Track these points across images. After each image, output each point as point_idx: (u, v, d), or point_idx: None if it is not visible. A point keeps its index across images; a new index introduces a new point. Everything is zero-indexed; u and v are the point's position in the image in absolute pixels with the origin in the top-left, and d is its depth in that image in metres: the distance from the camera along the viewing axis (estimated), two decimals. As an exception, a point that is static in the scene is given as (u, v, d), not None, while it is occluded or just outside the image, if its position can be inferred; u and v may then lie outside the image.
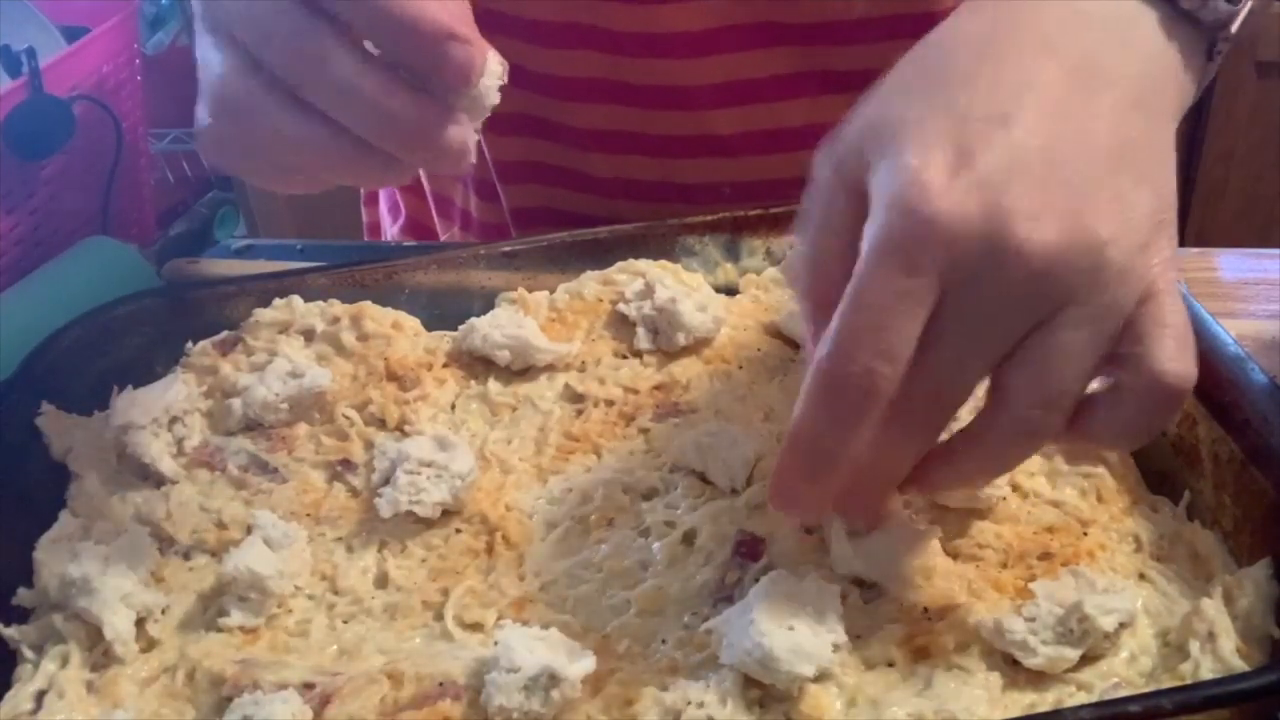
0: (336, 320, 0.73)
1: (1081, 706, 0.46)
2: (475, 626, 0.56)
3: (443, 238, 1.03)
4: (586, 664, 0.51)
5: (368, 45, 0.51)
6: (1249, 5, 0.52)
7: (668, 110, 0.87)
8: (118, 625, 0.55)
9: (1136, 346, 0.45)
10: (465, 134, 0.52)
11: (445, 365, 0.72)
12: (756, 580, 0.54)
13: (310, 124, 0.50)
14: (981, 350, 0.45)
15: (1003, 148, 0.45)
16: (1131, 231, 0.45)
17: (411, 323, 0.74)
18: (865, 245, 0.45)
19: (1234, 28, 0.51)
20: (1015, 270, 0.44)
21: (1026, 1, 0.50)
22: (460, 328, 0.73)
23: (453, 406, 0.70)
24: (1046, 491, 0.60)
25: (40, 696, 0.54)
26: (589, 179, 0.91)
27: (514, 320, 0.71)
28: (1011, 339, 0.45)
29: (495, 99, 0.52)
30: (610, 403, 0.68)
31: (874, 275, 0.45)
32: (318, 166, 0.52)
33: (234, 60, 0.51)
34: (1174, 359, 0.45)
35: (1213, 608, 0.50)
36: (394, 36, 0.49)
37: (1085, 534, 0.57)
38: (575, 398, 0.69)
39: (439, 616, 0.57)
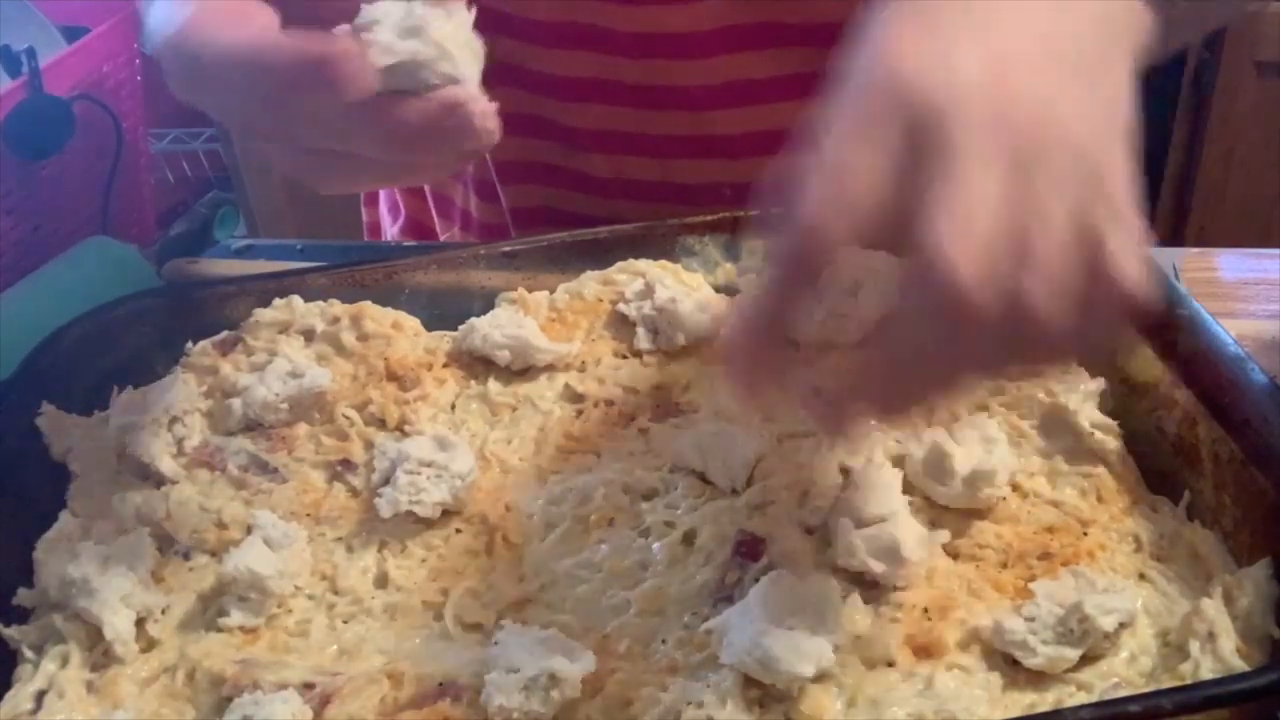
0: (336, 320, 0.73)
1: (1081, 706, 0.46)
2: (475, 626, 0.56)
3: (442, 238, 1.03)
4: (586, 664, 0.51)
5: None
6: None
7: (668, 111, 0.87)
8: (118, 625, 0.55)
9: (1093, 249, 0.44)
10: (476, 110, 0.52)
11: (445, 365, 0.72)
12: (756, 580, 0.54)
13: (349, 162, 0.52)
14: (986, 201, 0.43)
15: (971, 26, 0.45)
16: (1092, 122, 0.45)
17: (411, 323, 0.74)
18: (834, 109, 0.46)
19: None
20: (992, 134, 0.43)
21: None
22: (460, 328, 0.73)
23: (453, 406, 0.70)
24: (1046, 491, 0.60)
25: (40, 696, 0.54)
26: (589, 179, 0.91)
27: (514, 320, 0.71)
28: (1001, 208, 0.43)
29: (466, 35, 0.53)
30: (610, 403, 0.68)
31: (839, 133, 0.45)
32: (381, 182, 0.55)
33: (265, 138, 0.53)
34: (1128, 267, 0.44)
35: (1213, 608, 0.50)
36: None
37: (1085, 534, 0.57)
38: (575, 398, 0.69)
39: (439, 616, 0.57)
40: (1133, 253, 0.44)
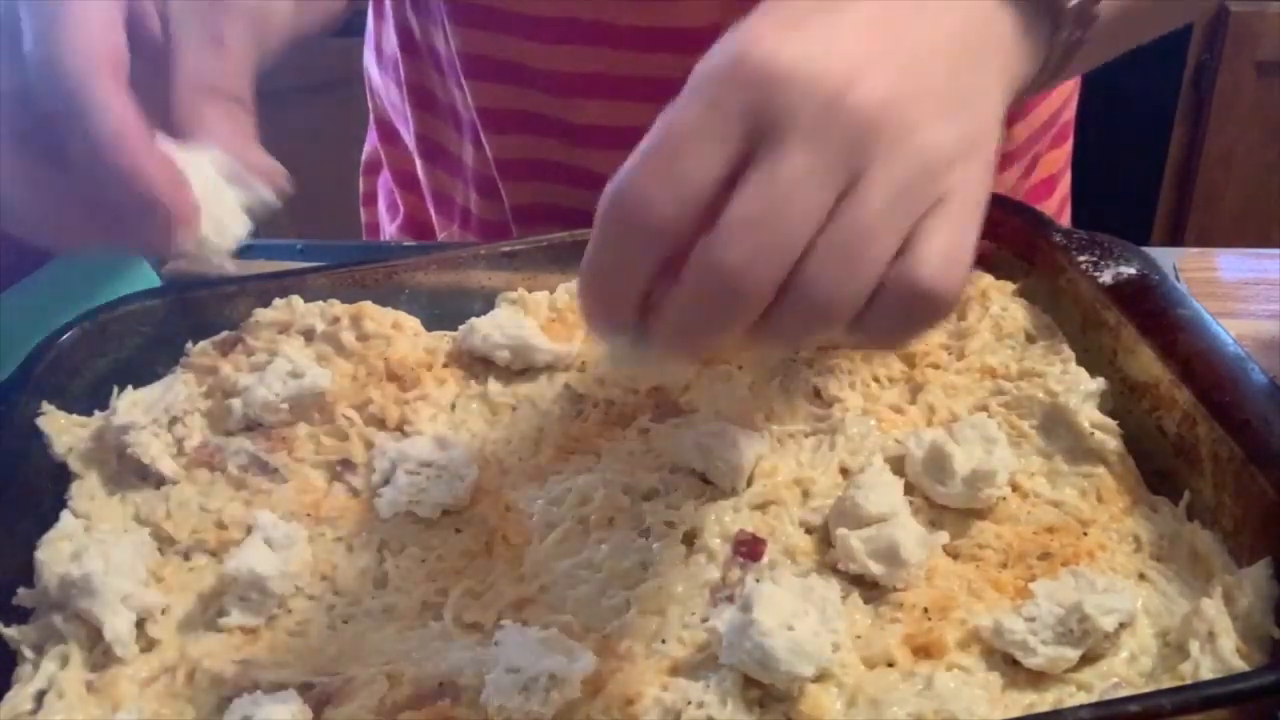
0: (336, 320, 0.73)
1: (1081, 706, 0.46)
2: (475, 626, 0.56)
3: (440, 236, 1.03)
4: (586, 664, 0.51)
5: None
6: None
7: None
8: (118, 626, 0.55)
9: (909, 243, 0.44)
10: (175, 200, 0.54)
11: (445, 365, 0.72)
12: (757, 580, 0.54)
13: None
14: (791, 204, 0.42)
15: (828, 19, 0.45)
16: (941, 131, 0.44)
17: (411, 323, 0.74)
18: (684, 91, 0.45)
19: (1072, 3, 0.51)
20: (828, 117, 0.42)
21: None
22: (460, 328, 0.73)
23: (453, 406, 0.70)
24: (1046, 491, 0.60)
25: (40, 696, 0.54)
26: (590, 175, 0.91)
27: (514, 320, 0.71)
28: (821, 195, 0.43)
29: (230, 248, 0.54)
30: (610, 403, 0.68)
31: (679, 107, 0.44)
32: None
33: None
34: (937, 268, 0.43)
35: (1213, 608, 0.50)
36: (106, 184, 0.52)
37: (1085, 534, 0.57)
38: (575, 398, 0.69)
39: (438, 616, 0.57)
40: (947, 262, 0.43)
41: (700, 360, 0.53)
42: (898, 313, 0.44)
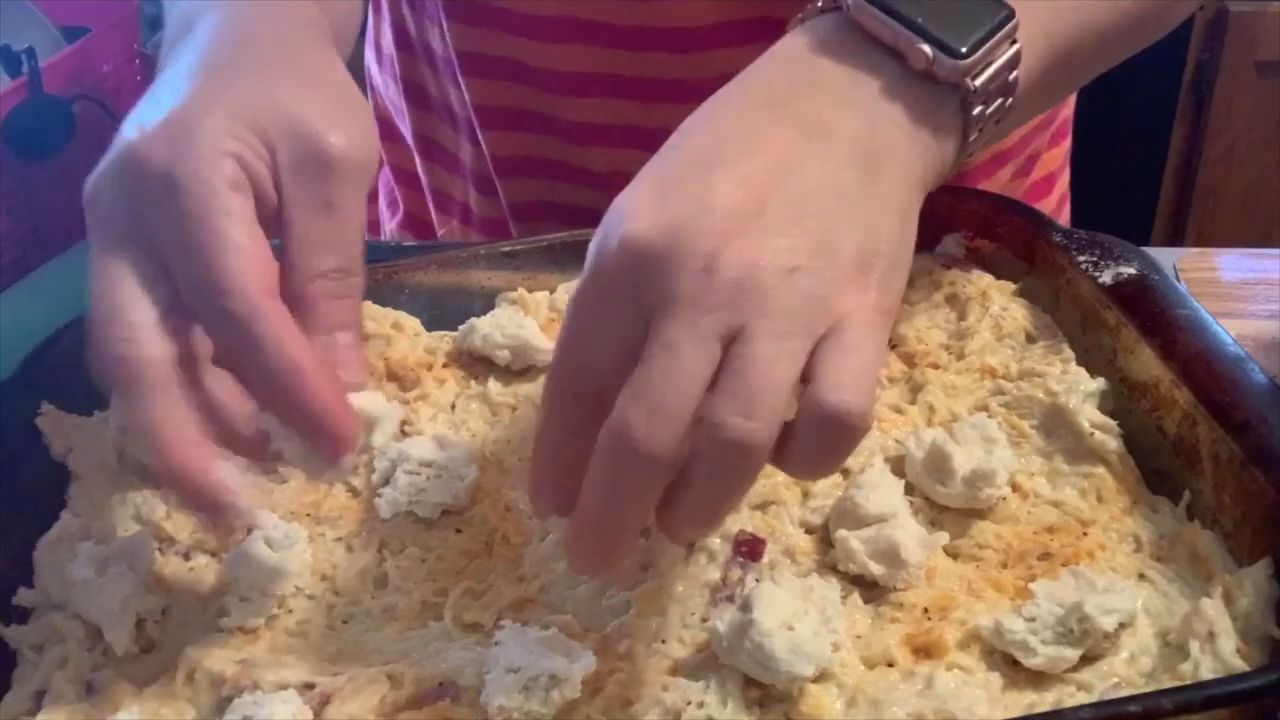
0: (336, 320, 0.73)
1: (1081, 706, 0.46)
2: (475, 626, 0.56)
3: (440, 231, 1.03)
4: (586, 664, 0.51)
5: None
6: (1007, 55, 0.52)
7: (664, 104, 0.87)
8: (117, 626, 0.55)
9: (812, 373, 0.45)
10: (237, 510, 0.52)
11: (445, 365, 0.72)
12: (757, 580, 0.54)
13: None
14: (677, 368, 0.44)
15: (702, 183, 0.46)
16: (827, 264, 0.45)
17: (411, 323, 0.74)
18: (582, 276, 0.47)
19: (979, 81, 0.51)
20: (702, 286, 0.44)
21: (759, 72, 0.51)
22: (460, 328, 0.73)
23: (453, 406, 0.70)
24: (1046, 491, 0.60)
25: (40, 697, 0.54)
26: (586, 173, 0.91)
27: (514, 320, 0.71)
28: (706, 356, 0.44)
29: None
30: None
31: (580, 298, 0.47)
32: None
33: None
34: (840, 390, 0.44)
35: (1213, 608, 0.50)
36: (275, 400, 0.50)
37: (1085, 534, 0.57)
38: (575, 398, 0.69)
39: (438, 617, 0.57)
40: (851, 383, 0.44)
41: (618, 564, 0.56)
42: (813, 440, 0.45)
